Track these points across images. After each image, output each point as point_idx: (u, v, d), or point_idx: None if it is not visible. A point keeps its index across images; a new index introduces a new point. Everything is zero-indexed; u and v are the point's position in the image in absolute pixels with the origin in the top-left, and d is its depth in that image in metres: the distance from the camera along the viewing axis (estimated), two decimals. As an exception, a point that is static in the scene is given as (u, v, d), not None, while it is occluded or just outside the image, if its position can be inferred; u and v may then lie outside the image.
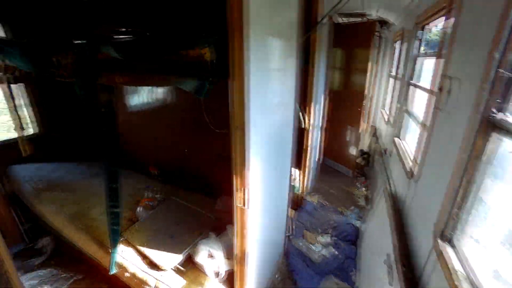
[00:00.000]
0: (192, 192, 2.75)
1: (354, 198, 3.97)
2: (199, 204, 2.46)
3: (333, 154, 4.82)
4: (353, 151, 4.55)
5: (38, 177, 2.77)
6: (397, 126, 3.12)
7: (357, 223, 3.21)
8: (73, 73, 1.65)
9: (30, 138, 3.00)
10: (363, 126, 4.43)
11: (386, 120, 4.06)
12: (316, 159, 4.19)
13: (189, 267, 1.83)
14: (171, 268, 1.77)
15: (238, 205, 1.40)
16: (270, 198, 1.91)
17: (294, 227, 3.16)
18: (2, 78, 2.17)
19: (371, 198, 3.78)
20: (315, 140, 3.64)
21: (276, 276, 2.47)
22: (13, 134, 2.54)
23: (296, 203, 3.45)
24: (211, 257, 1.78)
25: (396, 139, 3.08)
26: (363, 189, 4.15)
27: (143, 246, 1.91)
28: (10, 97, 2.25)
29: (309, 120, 3.01)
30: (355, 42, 3.94)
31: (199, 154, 2.79)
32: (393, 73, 4.18)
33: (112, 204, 1.71)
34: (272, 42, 1.47)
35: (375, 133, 4.87)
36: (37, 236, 2.99)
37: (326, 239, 3.02)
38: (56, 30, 3.05)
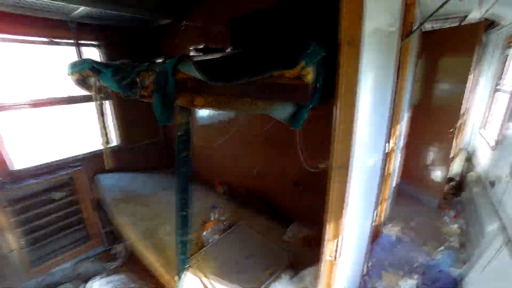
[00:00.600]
0: (258, 215, 2.58)
1: (442, 236, 3.27)
2: (267, 231, 2.27)
3: (410, 177, 4.13)
4: (437, 176, 3.83)
5: (118, 188, 2.97)
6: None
7: (454, 271, 2.57)
8: (152, 93, 1.65)
9: (112, 150, 3.28)
10: (451, 148, 3.70)
11: (493, 144, 3.29)
12: (394, 184, 3.63)
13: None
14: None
15: (328, 258, 1.14)
16: (356, 238, 1.60)
17: (369, 265, 2.70)
18: (97, 97, 2.38)
19: (467, 240, 3.06)
20: (396, 163, 3.14)
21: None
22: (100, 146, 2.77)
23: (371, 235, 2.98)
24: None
25: (516, 170, 2.41)
26: (455, 225, 3.40)
27: (208, 278, 1.78)
28: (101, 113, 2.46)
29: (394, 142, 2.58)
30: (444, 50, 3.33)
31: (270, 177, 2.62)
32: (505, 87, 3.40)
33: (181, 232, 1.64)
34: (379, 55, 1.20)
35: (469, 158, 4.04)
36: (114, 241, 3.21)
37: (412, 286, 2.49)
38: (142, 50, 3.34)
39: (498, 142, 3.11)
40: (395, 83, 2.07)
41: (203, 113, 3.17)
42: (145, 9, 2.73)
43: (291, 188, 2.40)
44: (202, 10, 2.67)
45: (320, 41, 0.95)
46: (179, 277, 1.71)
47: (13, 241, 2.58)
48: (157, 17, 2.90)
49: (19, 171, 2.63)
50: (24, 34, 2.53)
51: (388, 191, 3.14)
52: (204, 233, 2.25)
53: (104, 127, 2.52)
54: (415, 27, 2.29)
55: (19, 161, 2.65)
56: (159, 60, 2.40)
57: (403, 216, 3.59)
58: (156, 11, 2.82)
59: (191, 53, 2.93)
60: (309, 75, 0.93)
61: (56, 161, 2.86)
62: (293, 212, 2.50)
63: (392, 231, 3.27)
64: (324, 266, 1.21)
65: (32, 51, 2.75)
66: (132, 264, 2.86)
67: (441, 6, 1.85)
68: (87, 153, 3.06)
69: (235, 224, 2.37)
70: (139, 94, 1.80)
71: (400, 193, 4.06)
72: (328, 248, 1.14)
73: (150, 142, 3.65)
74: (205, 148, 3.30)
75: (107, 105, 3.24)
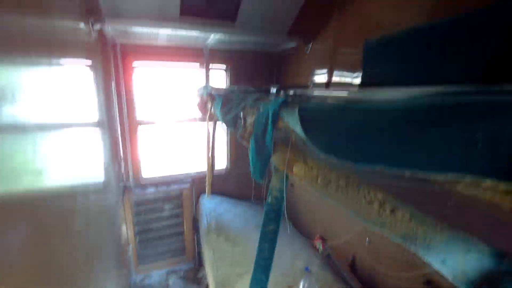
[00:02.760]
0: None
1: None
2: None
3: None
4: None
5: (215, 214, 2.89)
6: None
7: None
8: (251, 137, 1.30)
9: (220, 174, 3.29)
10: None
11: None
12: None
13: None
14: None
15: None
16: None
17: None
18: (208, 123, 2.36)
19: None
20: None
21: None
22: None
23: None
24: None
25: None
26: None
27: None
28: (209, 140, 2.42)
29: None
30: None
31: (387, 255, 1.77)
32: None
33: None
34: None
35: None
36: (201, 264, 3.18)
37: None
38: (264, 75, 3.22)
39: None
40: None
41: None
42: (278, 33, 2.59)
43: (416, 286, 1.51)
44: (333, 30, 2.20)
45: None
46: None
47: (131, 236, 2.94)
48: (287, 41, 2.67)
49: (145, 179, 3.00)
50: (176, 60, 2.89)
51: None
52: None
53: (211, 153, 2.47)
54: None
55: (145, 171, 3.03)
56: (273, 90, 2.11)
57: None
58: (288, 34, 2.62)
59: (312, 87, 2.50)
60: None
61: (171, 175, 3.11)
62: None
63: None
64: None
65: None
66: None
67: None
68: (196, 173, 3.17)
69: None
70: (240, 133, 1.52)
71: None
72: None
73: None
74: (308, 192, 2.76)
75: (226, 130, 3.26)
